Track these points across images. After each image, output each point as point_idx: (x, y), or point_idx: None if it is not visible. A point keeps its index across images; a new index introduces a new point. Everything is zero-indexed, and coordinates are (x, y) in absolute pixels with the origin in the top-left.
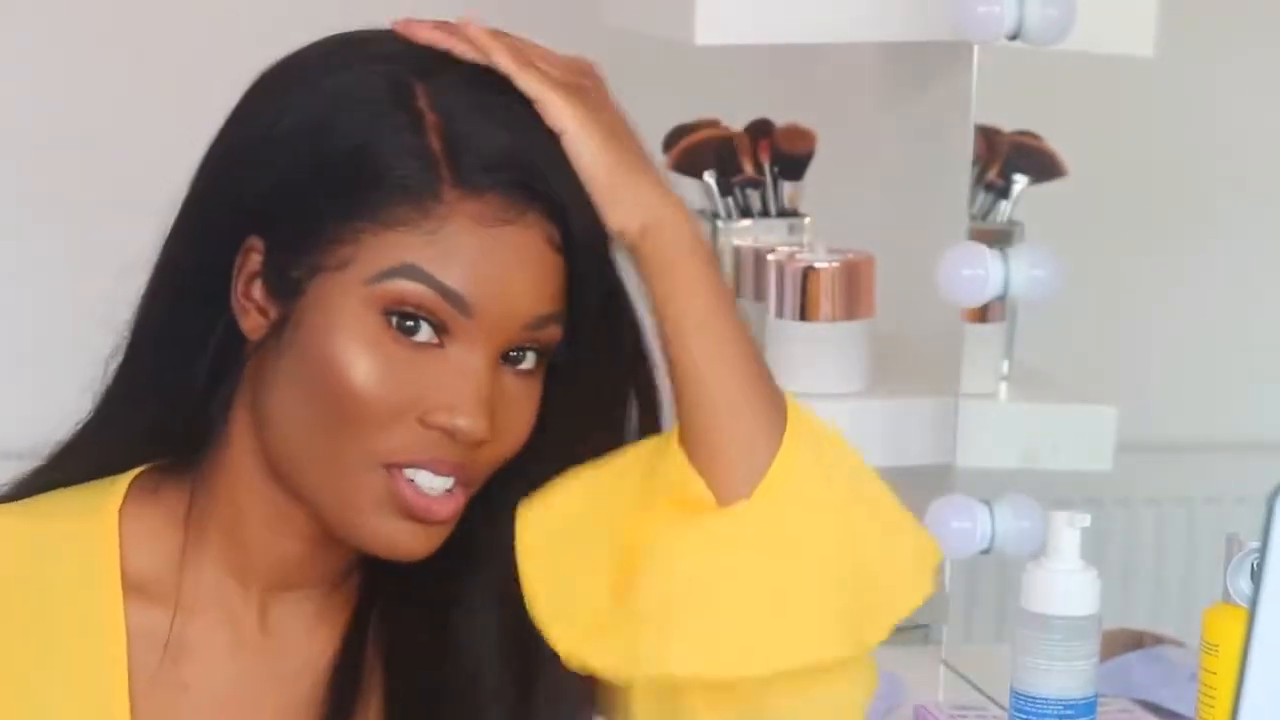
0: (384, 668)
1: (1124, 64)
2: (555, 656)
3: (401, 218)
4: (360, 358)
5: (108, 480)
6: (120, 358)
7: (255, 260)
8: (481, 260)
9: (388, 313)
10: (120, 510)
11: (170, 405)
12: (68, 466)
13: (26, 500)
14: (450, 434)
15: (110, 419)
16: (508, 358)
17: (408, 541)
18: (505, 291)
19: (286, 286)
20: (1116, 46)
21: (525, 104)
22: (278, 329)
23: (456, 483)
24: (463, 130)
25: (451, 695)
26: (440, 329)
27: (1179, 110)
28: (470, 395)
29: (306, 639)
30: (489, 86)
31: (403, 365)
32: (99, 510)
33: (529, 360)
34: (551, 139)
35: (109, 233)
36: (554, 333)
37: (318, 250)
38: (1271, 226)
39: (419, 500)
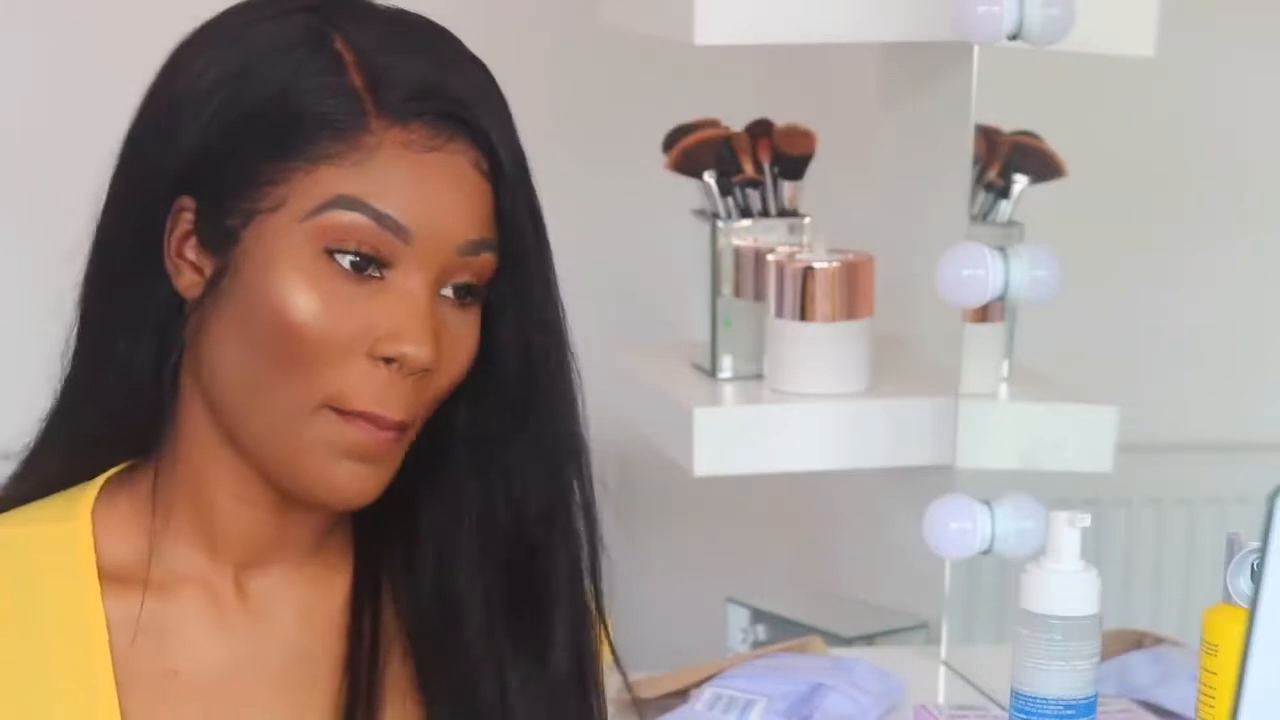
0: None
1: (1124, 64)
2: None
3: (331, 152)
4: (302, 294)
5: (80, 486)
6: (71, 352)
7: (186, 219)
8: (414, 185)
9: (327, 249)
10: (93, 509)
11: (128, 391)
12: (38, 472)
13: (4, 513)
14: (400, 364)
15: (72, 414)
16: (454, 290)
17: (351, 483)
18: (439, 215)
19: (221, 237)
20: (1117, 46)
21: (442, 39)
22: (215, 282)
23: (406, 428)
24: (382, 64)
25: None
26: (379, 261)
27: (1179, 110)
28: (415, 321)
29: (286, 611)
30: (404, 24)
31: (345, 299)
32: (73, 513)
33: (465, 292)
34: (471, 70)
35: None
36: (488, 261)
37: (251, 196)
38: (1272, 226)
39: (364, 437)
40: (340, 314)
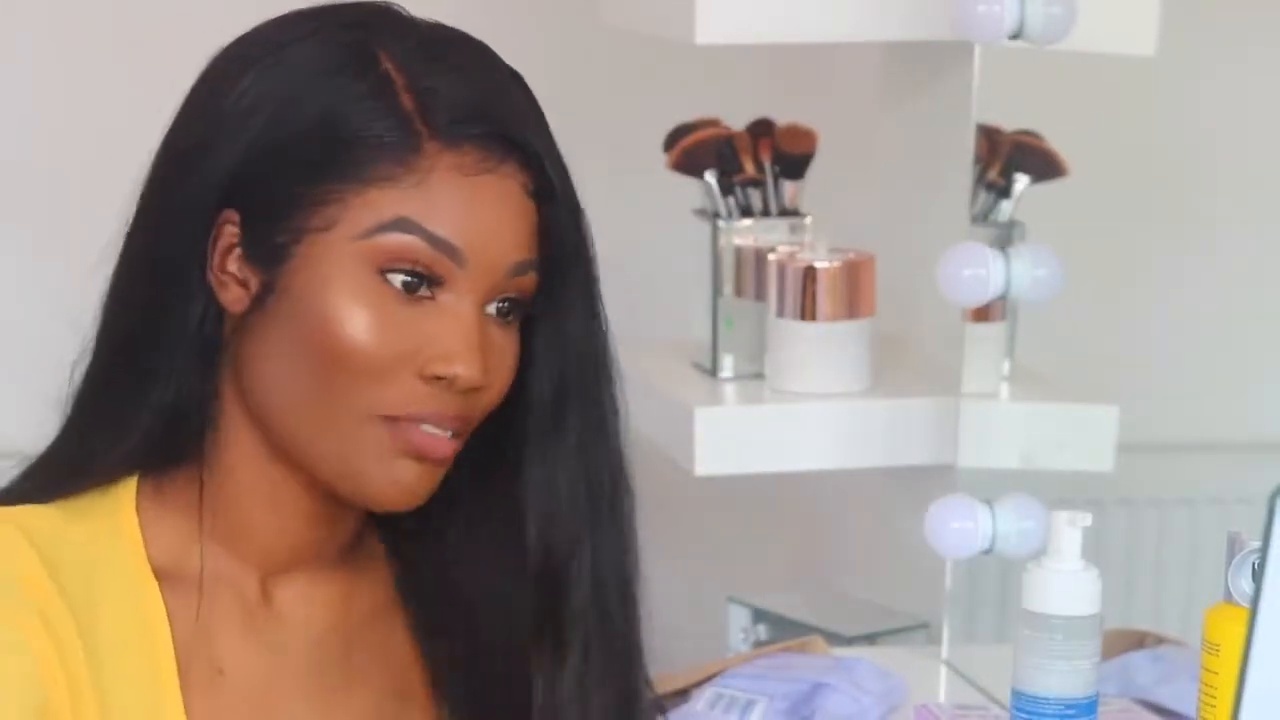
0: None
1: (1125, 63)
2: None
3: (385, 174)
4: (357, 312)
5: (111, 485)
6: (97, 358)
7: (231, 233)
8: (467, 209)
9: (381, 270)
10: (136, 506)
11: (168, 402)
12: (58, 473)
13: (56, 502)
14: (449, 383)
15: (101, 422)
16: (496, 309)
17: (411, 481)
18: (491, 239)
19: (269, 254)
20: (1118, 46)
21: (484, 56)
22: (261, 298)
23: (454, 434)
24: (431, 86)
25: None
26: (432, 281)
27: (1180, 110)
28: (465, 342)
29: (313, 619)
30: (446, 43)
31: (398, 318)
32: (117, 510)
33: (508, 309)
34: (515, 89)
35: (109, 234)
36: (531, 280)
37: (301, 214)
38: (1272, 226)
39: (424, 439)
40: (391, 333)
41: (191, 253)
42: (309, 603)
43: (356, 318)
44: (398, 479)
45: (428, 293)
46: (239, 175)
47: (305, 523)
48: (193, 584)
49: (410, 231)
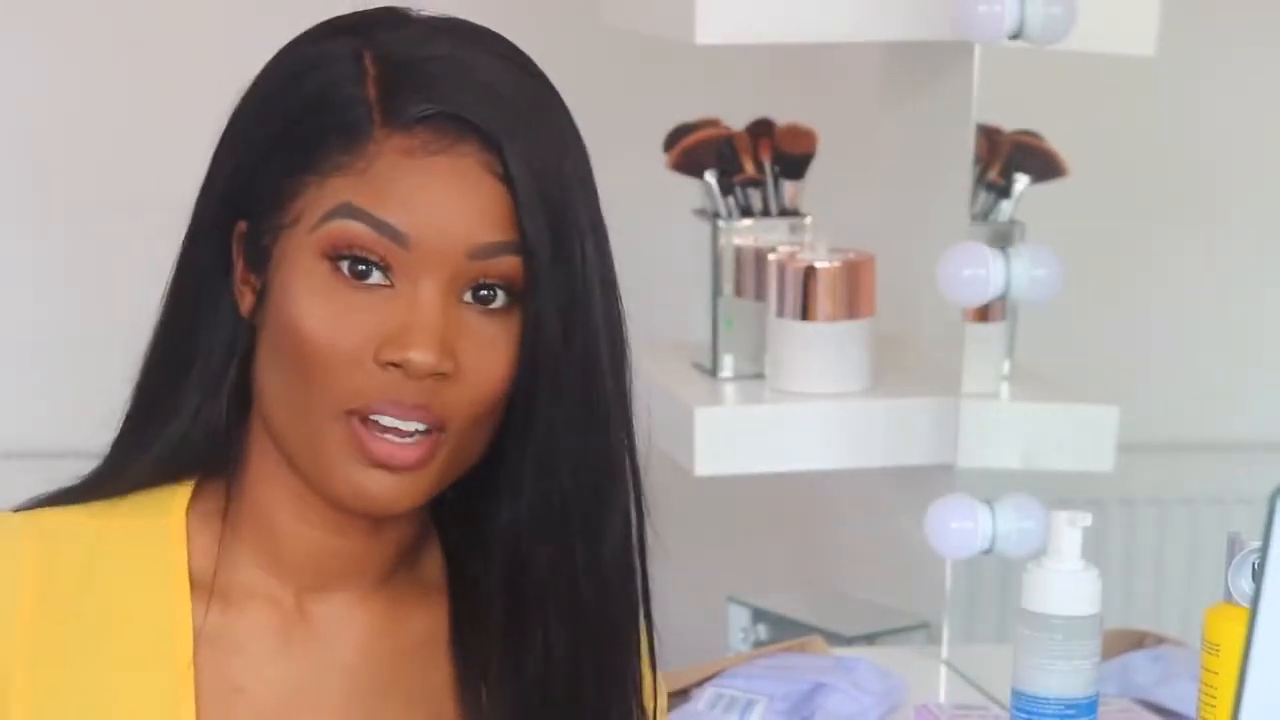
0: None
1: (1125, 63)
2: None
3: (338, 163)
4: (312, 305)
5: (170, 488)
6: (143, 372)
7: (242, 242)
8: (413, 191)
9: (335, 258)
10: (188, 509)
11: (203, 412)
12: (116, 478)
13: (92, 503)
14: (405, 369)
15: (151, 434)
16: (478, 296)
17: (377, 489)
18: (443, 221)
19: (259, 256)
20: (1118, 46)
21: (475, 42)
22: (260, 302)
23: (429, 429)
24: (397, 78)
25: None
26: (386, 269)
27: (1180, 110)
28: (418, 326)
29: (349, 640)
30: (437, 34)
31: (353, 308)
32: (168, 509)
33: (499, 299)
34: (495, 70)
35: (110, 235)
36: (510, 264)
37: (276, 213)
38: (1272, 226)
39: (383, 447)
40: (345, 322)
41: (215, 268)
42: (346, 625)
43: (314, 310)
44: (364, 489)
45: (384, 280)
46: (237, 184)
47: (335, 535)
48: (224, 597)
49: (353, 217)
